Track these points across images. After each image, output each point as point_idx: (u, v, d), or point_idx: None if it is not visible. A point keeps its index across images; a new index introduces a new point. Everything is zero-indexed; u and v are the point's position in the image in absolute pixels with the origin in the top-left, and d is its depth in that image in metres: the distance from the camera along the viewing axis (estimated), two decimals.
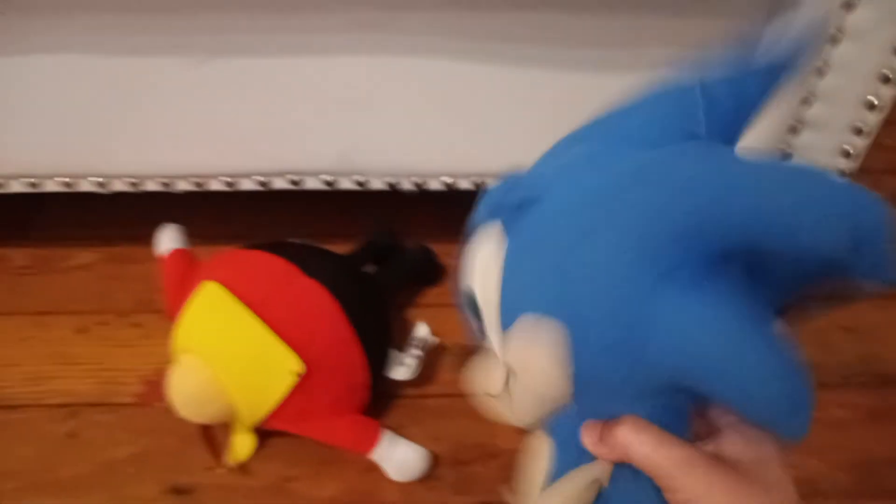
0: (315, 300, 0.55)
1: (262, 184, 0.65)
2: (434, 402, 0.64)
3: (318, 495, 0.58)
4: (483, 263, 0.34)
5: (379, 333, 0.60)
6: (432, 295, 0.73)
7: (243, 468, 0.59)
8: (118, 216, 0.80)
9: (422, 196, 0.69)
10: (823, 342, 0.69)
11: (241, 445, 0.58)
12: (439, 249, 0.76)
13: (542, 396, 0.33)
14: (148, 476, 0.59)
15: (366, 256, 0.70)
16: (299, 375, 0.52)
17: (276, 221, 0.80)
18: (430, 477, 0.59)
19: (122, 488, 0.58)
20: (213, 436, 0.60)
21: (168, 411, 0.55)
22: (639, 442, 0.30)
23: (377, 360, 0.59)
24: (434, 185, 0.65)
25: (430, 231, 0.76)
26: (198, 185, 0.65)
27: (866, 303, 0.29)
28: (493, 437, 0.62)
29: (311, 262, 0.58)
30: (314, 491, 0.58)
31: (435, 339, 0.63)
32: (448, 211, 0.72)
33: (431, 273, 0.74)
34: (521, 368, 0.32)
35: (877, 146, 0.63)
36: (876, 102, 0.58)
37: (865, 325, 0.71)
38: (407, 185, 0.66)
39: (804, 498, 0.29)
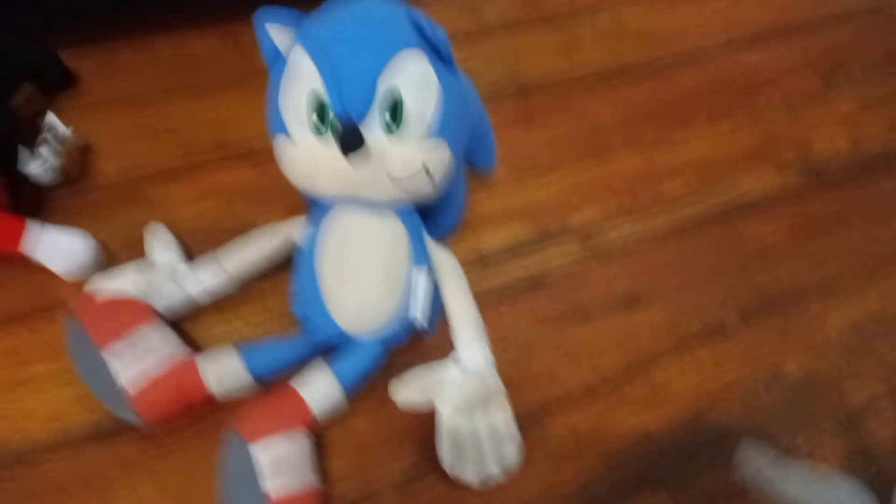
0: None
1: None
2: (93, 197, 0.58)
3: None
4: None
5: None
6: (63, 100, 0.65)
7: None
8: None
9: None
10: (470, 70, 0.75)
11: None
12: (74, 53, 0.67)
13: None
14: None
15: None
16: None
17: None
18: (102, 264, 0.54)
19: None
20: None
21: None
22: None
23: (2, 155, 0.52)
24: None
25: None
26: None
27: None
28: (168, 213, 0.58)
29: None
30: None
31: (68, 130, 0.56)
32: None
33: (54, 76, 0.65)
34: None
35: None
36: None
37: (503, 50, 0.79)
38: None
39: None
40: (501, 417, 0.47)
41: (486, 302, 0.55)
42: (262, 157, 0.62)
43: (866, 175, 0.71)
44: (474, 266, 0.58)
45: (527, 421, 0.49)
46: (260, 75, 0.48)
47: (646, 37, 0.83)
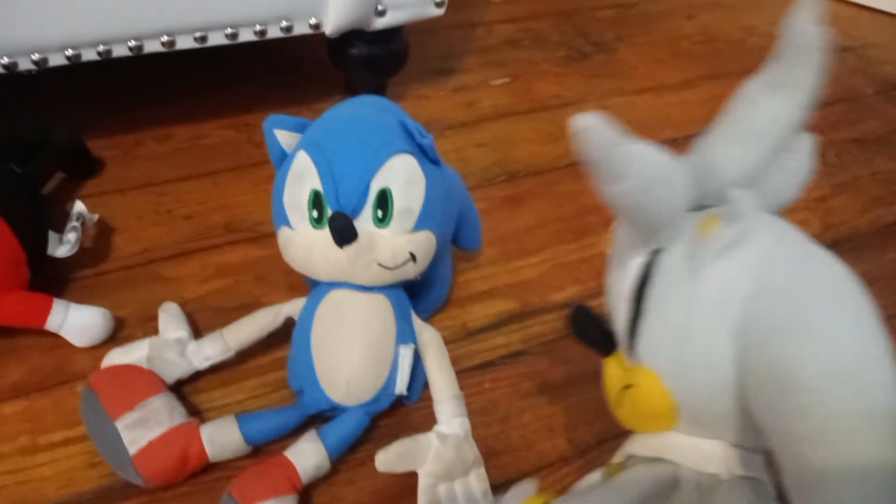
0: None
1: None
2: (112, 277, 0.64)
3: (1, 383, 0.55)
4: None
5: (27, 211, 0.58)
6: (89, 186, 0.72)
7: None
8: None
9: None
10: (463, 158, 0.82)
11: None
12: (96, 145, 0.74)
13: None
14: None
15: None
16: None
17: None
18: (118, 338, 0.59)
19: None
20: None
21: None
22: None
23: (34, 239, 0.57)
24: (56, 59, 0.63)
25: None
26: None
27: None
28: (181, 291, 0.63)
29: None
30: None
31: (94, 216, 0.62)
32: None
33: (83, 165, 0.72)
34: None
35: None
36: None
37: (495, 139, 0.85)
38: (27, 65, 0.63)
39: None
40: (479, 486, 0.50)
41: (471, 374, 0.60)
42: (267, 240, 0.68)
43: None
44: (461, 340, 0.63)
45: (504, 490, 0.52)
46: (270, 164, 0.53)
47: (630, 126, 0.88)
